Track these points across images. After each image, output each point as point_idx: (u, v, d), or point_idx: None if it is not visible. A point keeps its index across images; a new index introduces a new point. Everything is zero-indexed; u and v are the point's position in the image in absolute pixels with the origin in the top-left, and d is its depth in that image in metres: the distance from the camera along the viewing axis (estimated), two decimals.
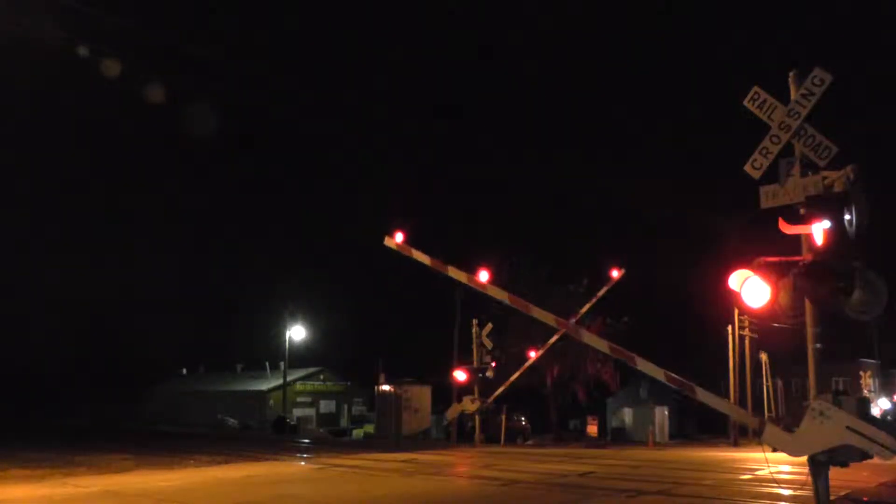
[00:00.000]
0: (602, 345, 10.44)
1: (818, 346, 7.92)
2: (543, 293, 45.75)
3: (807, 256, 7.75)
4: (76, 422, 59.05)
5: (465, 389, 34.55)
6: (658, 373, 8.82)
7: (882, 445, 6.93)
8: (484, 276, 13.95)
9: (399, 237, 11.76)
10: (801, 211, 7.94)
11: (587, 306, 35.11)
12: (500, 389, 33.56)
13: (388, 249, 12.40)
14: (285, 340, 52.67)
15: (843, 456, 7.13)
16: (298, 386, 59.50)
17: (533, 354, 34.03)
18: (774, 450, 7.68)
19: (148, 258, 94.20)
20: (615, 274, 30.75)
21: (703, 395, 8.74)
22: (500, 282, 45.43)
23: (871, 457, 7.26)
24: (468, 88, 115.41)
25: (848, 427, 6.95)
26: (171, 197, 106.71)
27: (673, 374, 8.93)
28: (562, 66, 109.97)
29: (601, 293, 33.43)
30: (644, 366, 8.92)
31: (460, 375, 32.90)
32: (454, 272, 11.20)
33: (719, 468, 19.16)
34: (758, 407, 37.97)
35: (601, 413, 45.75)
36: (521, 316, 45.02)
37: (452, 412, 34.49)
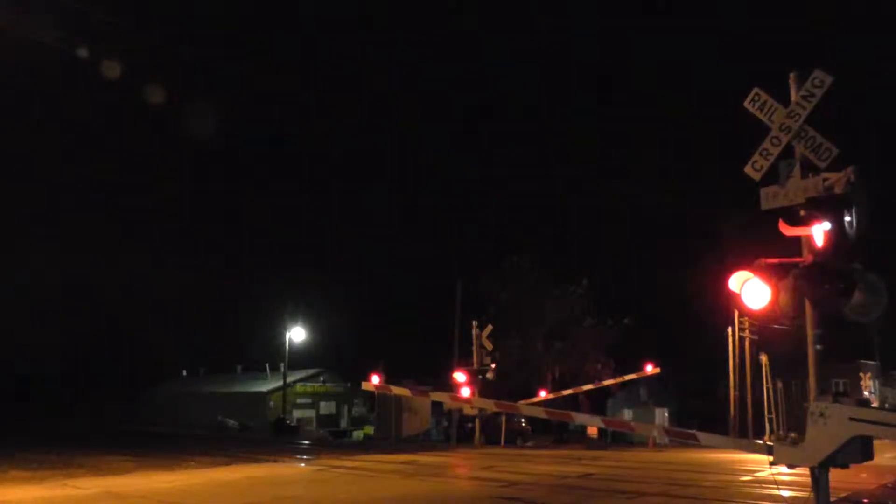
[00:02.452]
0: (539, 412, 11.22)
1: (818, 347, 7.91)
2: (542, 294, 45.87)
3: (807, 258, 7.74)
4: (76, 423, 58.99)
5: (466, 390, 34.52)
6: (651, 429, 8.85)
7: (889, 424, 6.91)
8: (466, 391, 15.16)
9: (375, 379, 12.71)
10: (802, 212, 7.93)
11: (614, 381, 36.52)
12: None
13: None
14: (285, 342, 52.64)
15: (844, 457, 7.11)
16: (298, 387, 59.45)
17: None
18: (791, 466, 7.62)
19: (148, 258, 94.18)
20: (649, 368, 32.23)
21: (705, 439, 8.88)
22: (500, 283, 45.64)
23: (872, 457, 7.26)
24: (468, 88, 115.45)
25: (851, 418, 6.93)
26: (171, 197, 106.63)
27: (672, 428, 9.03)
28: (562, 66, 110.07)
29: (628, 378, 35.42)
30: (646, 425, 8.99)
31: (460, 377, 32.92)
32: (436, 396, 11.83)
33: (719, 470, 19.16)
34: (758, 409, 37.93)
35: (601, 414, 45.66)
36: (521, 318, 45.34)
37: (449, 405, 34.65)
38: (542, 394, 36.75)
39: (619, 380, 37.36)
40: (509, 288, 45.68)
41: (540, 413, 11.46)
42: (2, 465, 18.80)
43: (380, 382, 12.33)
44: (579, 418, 10.09)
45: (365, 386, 12.46)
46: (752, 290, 7.75)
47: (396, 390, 11.65)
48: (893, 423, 6.90)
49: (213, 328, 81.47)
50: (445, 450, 30.15)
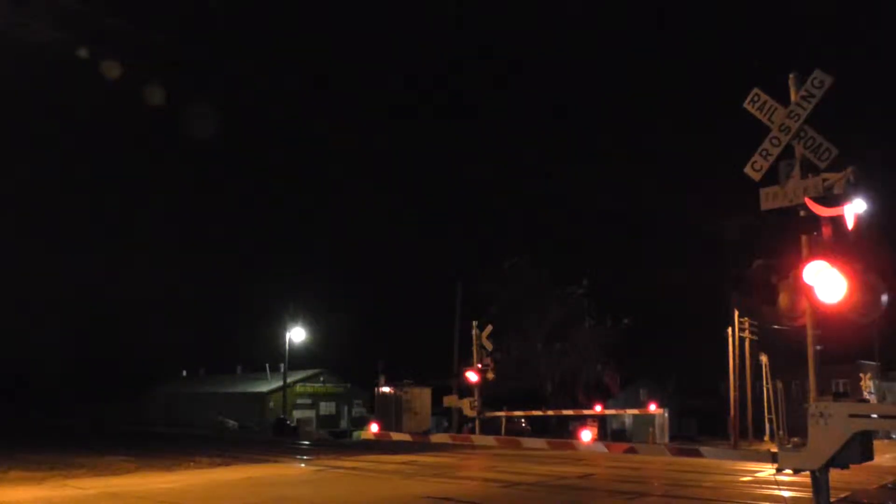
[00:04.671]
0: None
1: (818, 347, 7.91)
2: (542, 294, 45.88)
3: (807, 258, 7.73)
4: (76, 423, 59.00)
5: (468, 390, 34.56)
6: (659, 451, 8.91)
7: (889, 416, 6.91)
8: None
9: (374, 427, 13.46)
10: (802, 213, 7.93)
11: (615, 411, 37.07)
12: (502, 413, 34.24)
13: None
14: (285, 342, 52.62)
15: (844, 458, 7.11)
16: (298, 388, 59.44)
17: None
18: (797, 471, 7.61)
19: (148, 258, 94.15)
20: (653, 408, 34.00)
21: (710, 453, 8.99)
22: (500, 283, 45.69)
23: (872, 458, 7.25)
24: (468, 88, 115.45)
25: (851, 415, 6.93)
26: (171, 197, 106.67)
27: (678, 446, 9.19)
28: (562, 66, 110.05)
29: (630, 412, 36.38)
30: None
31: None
32: (437, 437, 12.30)
33: (719, 470, 19.13)
34: (758, 409, 37.94)
35: (601, 415, 45.81)
36: (521, 318, 45.46)
37: (449, 401, 34.83)
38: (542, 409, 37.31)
39: (619, 412, 38.30)
40: (509, 288, 45.67)
41: (542, 445, 11.63)
42: (2, 465, 18.78)
43: (379, 430, 12.74)
44: (582, 447, 10.17)
45: (364, 435, 13.27)
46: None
47: (396, 435, 12.21)
48: (892, 415, 6.90)
49: (213, 328, 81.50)
50: (446, 450, 30.13)
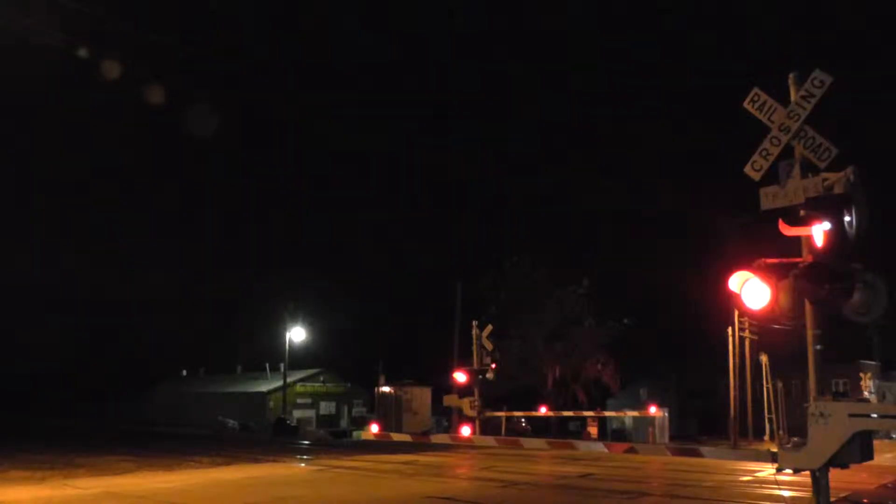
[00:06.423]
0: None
1: (818, 347, 7.91)
2: (542, 294, 45.84)
3: (807, 258, 7.74)
4: (76, 423, 58.99)
5: (465, 390, 34.59)
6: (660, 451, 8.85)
7: (889, 416, 6.92)
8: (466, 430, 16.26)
9: (375, 428, 13.61)
10: (801, 212, 7.93)
11: (615, 413, 37.74)
12: (502, 413, 34.41)
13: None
14: (285, 342, 52.63)
15: (844, 457, 7.11)
16: (298, 387, 59.43)
17: None
18: (796, 471, 7.61)
19: (148, 258, 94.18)
20: (653, 410, 34.56)
21: (710, 453, 9.05)
22: (500, 283, 45.69)
23: (872, 457, 7.25)
24: (467, 86, 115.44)
25: (850, 414, 6.93)
26: (171, 197, 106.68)
27: (678, 446, 9.34)
28: (562, 65, 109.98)
29: (630, 414, 37.79)
30: None
31: (460, 377, 33.01)
32: (437, 438, 12.44)
33: (720, 470, 19.14)
34: (758, 409, 37.91)
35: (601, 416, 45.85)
36: (521, 318, 45.55)
37: (449, 401, 34.96)
38: (543, 409, 37.40)
39: (619, 413, 38.64)
40: (509, 288, 45.67)
41: (542, 445, 11.70)
42: (2, 465, 18.81)
43: (379, 430, 12.88)
44: (581, 446, 10.23)
45: (364, 436, 13.23)
46: (752, 290, 7.74)
47: (396, 436, 12.26)
48: (892, 414, 6.91)
49: (213, 328, 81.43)
50: (446, 450, 30.14)
